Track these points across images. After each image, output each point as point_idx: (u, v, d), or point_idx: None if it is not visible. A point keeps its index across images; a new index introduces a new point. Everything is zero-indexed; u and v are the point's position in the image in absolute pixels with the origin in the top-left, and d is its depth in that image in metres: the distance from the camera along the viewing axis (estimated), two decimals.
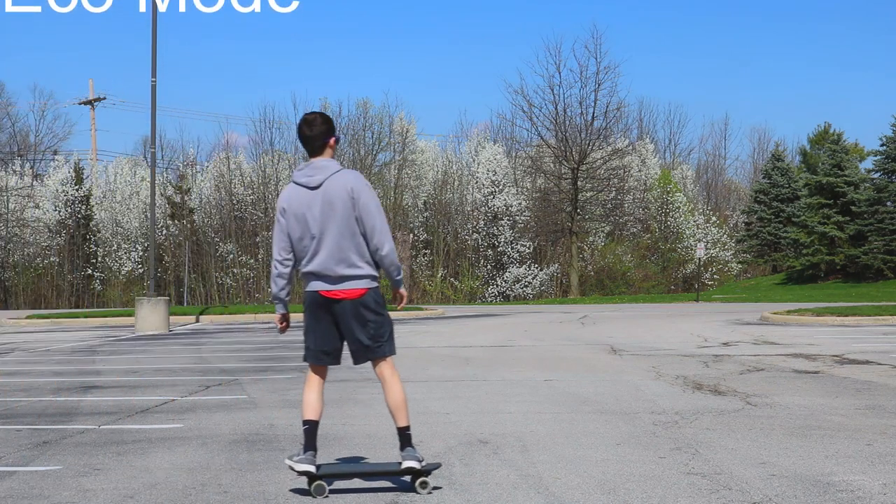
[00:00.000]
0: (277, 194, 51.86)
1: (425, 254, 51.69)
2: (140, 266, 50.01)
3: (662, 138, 71.95)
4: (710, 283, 53.29)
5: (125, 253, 50.96)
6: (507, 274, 50.08)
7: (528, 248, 51.25)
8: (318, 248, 5.32)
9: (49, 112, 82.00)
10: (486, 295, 49.70)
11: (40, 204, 52.17)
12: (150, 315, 22.83)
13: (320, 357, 5.48)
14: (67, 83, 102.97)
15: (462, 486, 5.45)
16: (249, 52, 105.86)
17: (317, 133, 5.40)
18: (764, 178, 60.66)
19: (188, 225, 50.92)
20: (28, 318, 29.45)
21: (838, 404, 8.51)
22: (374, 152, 52.99)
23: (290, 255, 5.43)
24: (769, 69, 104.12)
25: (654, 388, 9.81)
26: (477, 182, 52.30)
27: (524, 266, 50.40)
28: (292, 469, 5.35)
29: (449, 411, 8.32)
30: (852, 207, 50.69)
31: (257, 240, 50.45)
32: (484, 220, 51.59)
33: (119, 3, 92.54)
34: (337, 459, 6.27)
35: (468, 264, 51.56)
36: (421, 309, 32.38)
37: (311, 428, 5.38)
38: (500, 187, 51.88)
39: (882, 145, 51.51)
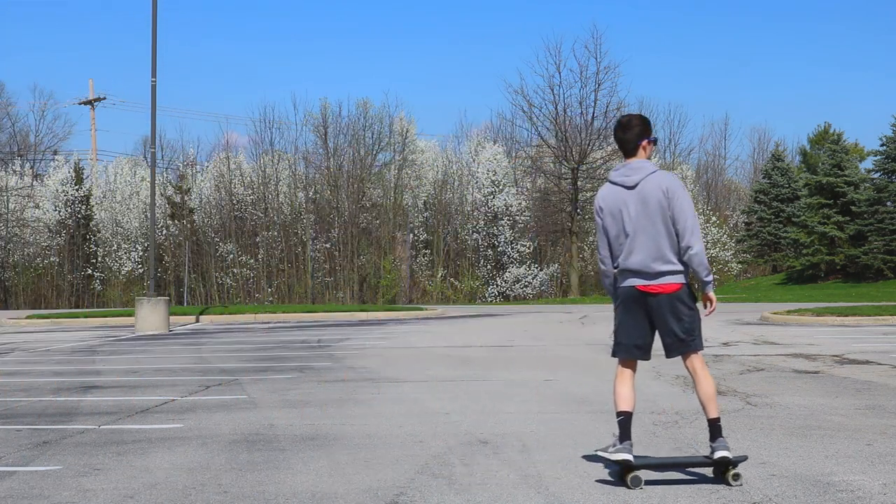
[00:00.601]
0: (278, 194, 51.91)
1: (425, 254, 51.71)
2: (140, 266, 50.03)
3: (662, 138, 71.76)
4: None
5: (125, 253, 50.99)
6: (507, 274, 50.11)
7: (528, 248, 51.26)
8: (633, 245, 5.48)
9: (49, 112, 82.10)
10: (486, 295, 49.73)
11: (40, 204, 52.20)
12: (150, 315, 22.83)
13: (632, 351, 5.59)
14: (67, 83, 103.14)
15: (462, 486, 5.45)
16: (249, 52, 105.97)
17: (629, 136, 5.59)
18: (764, 178, 60.64)
19: (188, 225, 50.93)
20: (28, 318, 29.45)
21: (838, 404, 8.51)
22: (374, 152, 53.03)
23: (610, 253, 5.63)
24: (769, 69, 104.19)
25: (655, 387, 9.81)
26: (477, 182, 52.32)
27: (524, 266, 50.43)
28: (607, 459, 5.41)
29: (449, 411, 8.31)
30: (852, 207, 50.68)
31: (257, 240, 50.47)
32: (484, 220, 51.60)
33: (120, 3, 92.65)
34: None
35: (468, 264, 51.59)
36: (421, 309, 32.40)
37: (626, 419, 5.48)
38: (500, 187, 51.89)
39: (882, 145, 51.49)
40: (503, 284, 49.76)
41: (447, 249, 52.06)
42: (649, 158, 5.63)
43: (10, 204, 51.54)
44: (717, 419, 5.49)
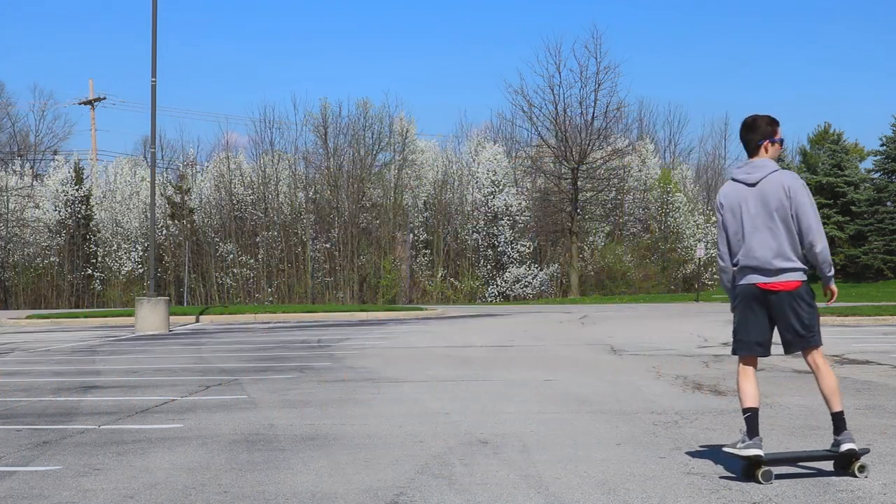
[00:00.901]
0: (278, 194, 51.91)
1: (425, 254, 51.69)
2: (140, 266, 50.01)
3: (662, 138, 71.70)
4: (710, 283, 53.26)
5: (125, 253, 50.96)
6: (507, 274, 50.09)
7: (528, 248, 51.25)
8: (753, 242, 5.58)
9: (49, 112, 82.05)
10: (486, 295, 49.71)
11: (40, 204, 52.16)
12: (150, 315, 22.84)
13: (754, 348, 5.67)
14: (67, 83, 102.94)
15: (462, 486, 5.45)
16: (249, 52, 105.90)
17: (751, 137, 5.77)
18: None
19: (188, 225, 50.92)
20: (28, 318, 29.46)
21: None
22: (374, 152, 52.97)
23: (728, 249, 5.72)
24: (769, 69, 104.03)
25: (655, 388, 9.81)
26: (477, 182, 52.31)
27: (524, 266, 50.41)
28: (736, 455, 5.45)
29: (449, 411, 8.31)
30: (852, 207, 50.73)
31: (257, 240, 50.45)
32: (484, 220, 51.58)
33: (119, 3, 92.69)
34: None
35: (468, 264, 51.57)
36: (421, 309, 32.40)
37: (753, 415, 5.54)
38: (500, 187, 51.86)
39: (882, 145, 51.54)
40: (503, 284, 49.75)
41: (447, 249, 52.05)
42: (775, 159, 5.74)
43: (10, 204, 51.53)
44: (841, 412, 5.57)
